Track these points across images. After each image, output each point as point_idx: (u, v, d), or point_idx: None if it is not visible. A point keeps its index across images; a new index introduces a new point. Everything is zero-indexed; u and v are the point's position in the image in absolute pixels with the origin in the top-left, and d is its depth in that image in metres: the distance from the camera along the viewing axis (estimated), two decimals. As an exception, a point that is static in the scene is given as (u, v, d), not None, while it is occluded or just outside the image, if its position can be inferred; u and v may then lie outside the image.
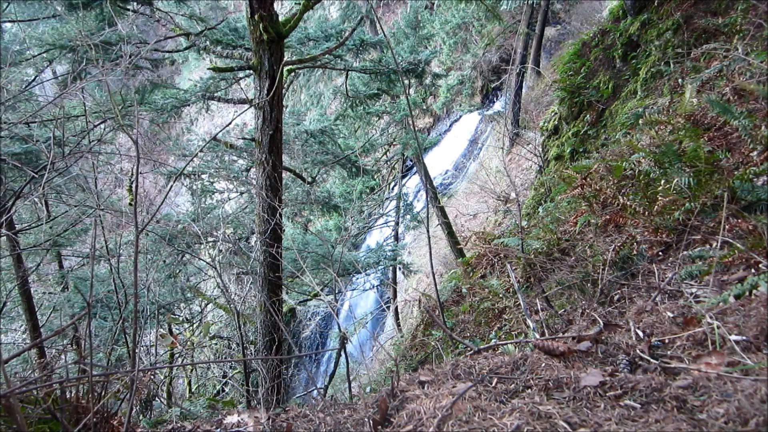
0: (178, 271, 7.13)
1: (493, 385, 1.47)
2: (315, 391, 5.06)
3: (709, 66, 4.27)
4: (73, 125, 6.16)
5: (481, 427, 1.20)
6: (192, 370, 8.85)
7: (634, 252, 2.88)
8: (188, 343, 8.35)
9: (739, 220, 2.40)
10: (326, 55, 5.30)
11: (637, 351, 1.55)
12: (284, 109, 5.75)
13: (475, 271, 5.37)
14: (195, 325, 9.01)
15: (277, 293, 4.83)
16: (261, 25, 3.95)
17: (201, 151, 6.78)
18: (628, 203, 3.10)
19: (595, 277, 2.87)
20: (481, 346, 2.03)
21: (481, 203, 13.88)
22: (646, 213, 2.94)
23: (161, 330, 7.68)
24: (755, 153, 2.78)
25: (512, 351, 2.07)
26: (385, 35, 3.29)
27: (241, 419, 1.56)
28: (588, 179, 3.58)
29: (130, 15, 5.35)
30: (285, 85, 5.27)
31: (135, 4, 4.99)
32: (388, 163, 12.39)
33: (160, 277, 6.44)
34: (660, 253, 2.78)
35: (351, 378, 2.75)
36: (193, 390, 8.94)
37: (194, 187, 7.54)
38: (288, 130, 7.47)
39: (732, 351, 1.42)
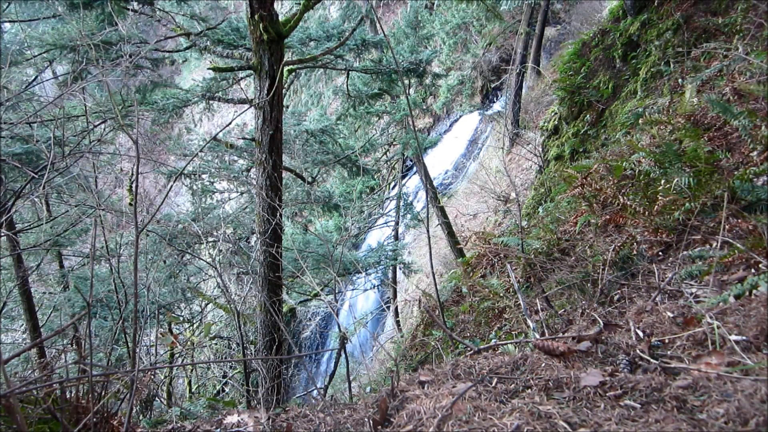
0: (178, 271, 7.13)
1: (493, 385, 1.47)
2: (315, 391, 5.06)
3: (709, 66, 4.27)
4: (73, 125, 6.16)
5: (481, 427, 1.20)
6: (192, 370, 8.85)
7: (634, 252, 2.88)
8: (188, 343, 8.35)
9: (739, 220, 2.40)
10: (327, 55, 5.30)
11: (637, 351, 1.55)
12: (285, 109, 5.74)
13: (475, 271, 5.36)
14: (195, 325, 9.02)
15: (277, 293, 4.83)
16: (261, 25, 3.95)
17: (201, 151, 6.78)
18: (628, 203, 3.10)
19: (595, 277, 2.87)
20: (481, 346, 2.03)
21: (481, 203, 13.87)
22: (646, 213, 2.94)
23: (161, 330, 7.68)
24: (755, 153, 2.78)
25: (512, 351, 2.07)
26: (385, 35, 3.29)
27: (241, 419, 1.56)
28: (588, 179, 3.58)
29: (131, 15, 5.35)
30: (285, 85, 5.27)
31: (135, 3, 4.99)
32: (388, 163, 12.39)
33: (160, 277, 6.44)
34: (660, 253, 2.78)
35: (351, 378, 2.75)
36: (193, 390, 8.94)
37: (194, 187, 7.54)
38: (288, 130, 7.47)
39: (732, 351, 1.42)
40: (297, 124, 7.90)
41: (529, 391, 1.40)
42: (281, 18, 4.17)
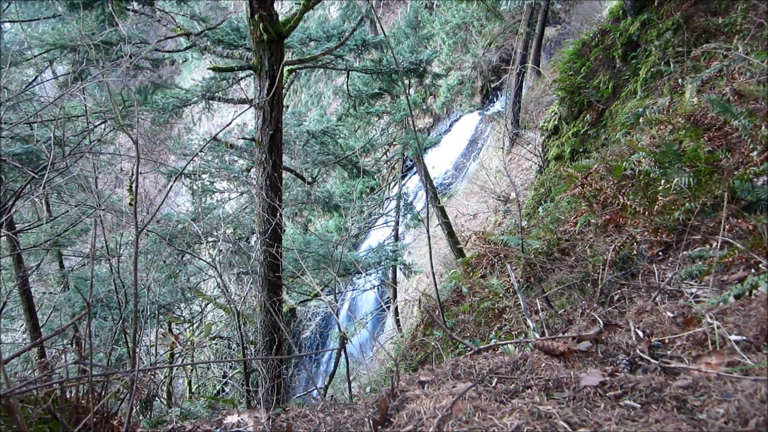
0: (178, 271, 7.13)
1: (493, 385, 1.47)
2: (315, 391, 5.06)
3: (709, 66, 4.27)
4: (73, 125, 6.16)
5: (481, 427, 1.20)
6: (192, 370, 8.85)
7: (634, 252, 2.88)
8: (188, 343, 8.35)
9: (739, 220, 2.40)
10: (327, 55, 5.30)
11: (637, 351, 1.55)
12: (285, 109, 5.74)
13: (475, 271, 5.36)
14: (195, 325, 9.02)
15: (277, 293, 4.83)
16: (261, 25, 3.95)
17: (201, 150, 6.78)
18: (628, 203, 3.10)
19: (595, 277, 2.87)
20: (481, 346, 2.03)
21: (481, 203, 13.88)
22: (646, 213, 2.94)
23: (161, 329, 7.68)
24: (755, 153, 2.78)
25: (512, 351, 2.07)
26: (385, 35, 3.29)
27: (241, 419, 1.56)
28: (588, 179, 3.58)
29: (131, 15, 5.35)
30: (285, 85, 5.27)
31: (136, 3, 4.99)
32: (388, 163, 12.39)
33: (160, 277, 6.44)
34: (660, 253, 2.78)
35: (351, 378, 2.75)
36: (193, 390, 8.94)
37: (194, 186, 7.54)
38: (289, 130, 7.47)
39: (732, 351, 1.42)
40: (297, 125, 7.90)
41: (529, 391, 1.40)
42: (281, 18, 4.17)
